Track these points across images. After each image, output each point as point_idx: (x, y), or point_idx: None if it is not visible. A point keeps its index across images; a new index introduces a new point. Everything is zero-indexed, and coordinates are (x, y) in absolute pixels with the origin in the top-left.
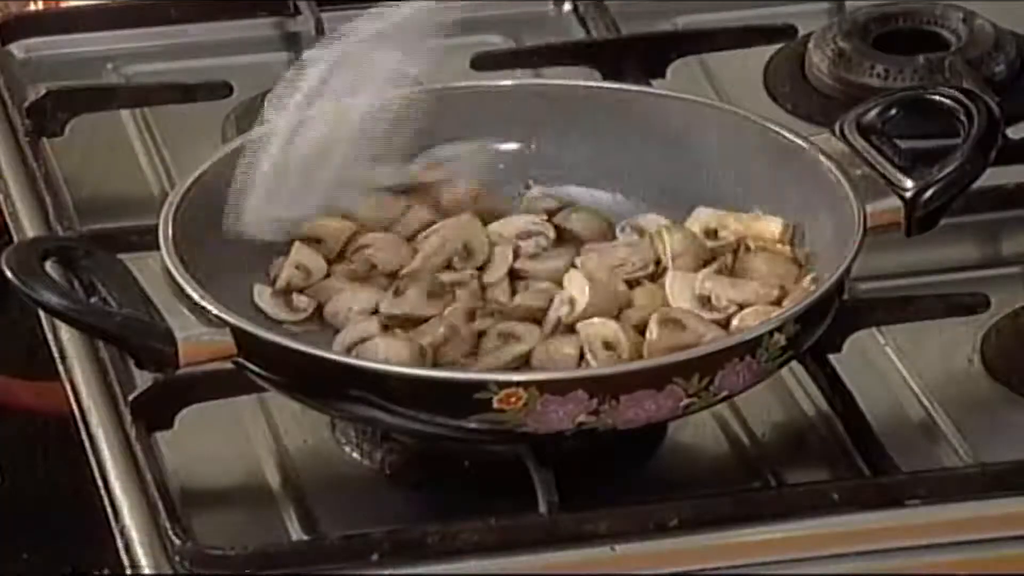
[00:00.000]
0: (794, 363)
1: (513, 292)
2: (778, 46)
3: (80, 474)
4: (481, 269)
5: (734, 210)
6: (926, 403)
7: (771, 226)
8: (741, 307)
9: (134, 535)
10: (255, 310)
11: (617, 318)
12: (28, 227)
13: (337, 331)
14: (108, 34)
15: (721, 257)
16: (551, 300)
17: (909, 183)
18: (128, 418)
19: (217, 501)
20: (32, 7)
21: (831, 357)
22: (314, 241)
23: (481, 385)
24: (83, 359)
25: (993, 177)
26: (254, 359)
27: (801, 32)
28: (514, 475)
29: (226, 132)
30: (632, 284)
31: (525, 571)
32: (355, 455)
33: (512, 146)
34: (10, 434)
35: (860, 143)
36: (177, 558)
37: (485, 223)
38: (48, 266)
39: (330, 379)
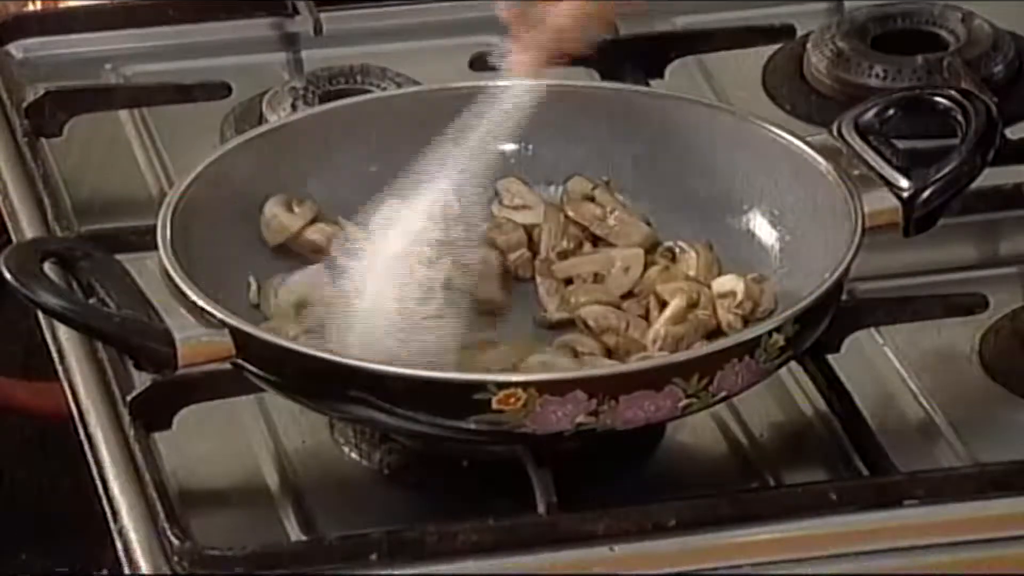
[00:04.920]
0: (793, 363)
1: None
2: (777, 46)
3: (79, 475)
4: None
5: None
6: (924, 403)
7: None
8: None
9: (133, 535)
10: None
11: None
12: (27, 228)
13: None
14: (106, 34)
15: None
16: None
17: (907, 183)
18: (127, 419)
19: (216, 501)
20: (30, 7)
21: (830, 357)
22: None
23: (480, 386)
24: (82, 360)
25: (991, 177)
26: (253, 360)
27: (800, 32)
28: (513, 475)
29: (224, 132)
30: None
31: (524, 571)
32: (354, 455)
33: (510, 147)
34: (9, 435)
35: (858, 143)
36: (176, 558)
37: None
38: (47, 267)
39: (329, 380)
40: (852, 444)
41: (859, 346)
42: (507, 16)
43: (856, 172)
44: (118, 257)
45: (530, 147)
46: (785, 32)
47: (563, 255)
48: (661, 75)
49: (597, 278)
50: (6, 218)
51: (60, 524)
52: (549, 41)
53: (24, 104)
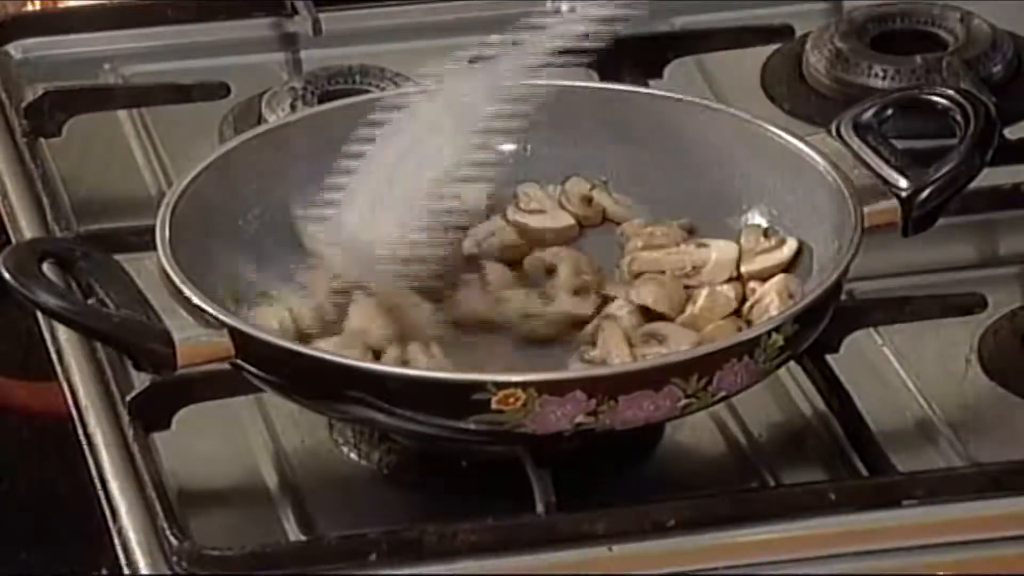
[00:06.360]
0: (792, 363)
1: None
2: (775, 46)
3: (78, 475)
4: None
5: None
6: (923, 403)
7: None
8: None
9: (132, 535)
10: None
11: None
12: (26, 228)
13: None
14: (105, 34)
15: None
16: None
17: (906, 183)
18: (126, 419)
19: (215, 501)
20: (29, 7)
21: (829, 357)
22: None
23: (479, 386)
24: (80, 360)
25: (990, 177)
26: (252, 360)
27: (798, 32)
28: (512, 475)
29: (223, 132)
30: None
31: (523, 571)
32: (353, 455)
33: (508, 147)
34: (8, 435)
35: (856, 143)
36: (175, 558)
37: None
38: (45, 267)
39: (328, 380)
40: (851, 444)
41: (858, 346)
42: None
43: (855, 172)
44: (117, 257)
45: (528, 147)
46: (784, 32)
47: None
48: (660, 75)
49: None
50: (5, 218)
51: (59, 524)
52: None
53: (23, 104)
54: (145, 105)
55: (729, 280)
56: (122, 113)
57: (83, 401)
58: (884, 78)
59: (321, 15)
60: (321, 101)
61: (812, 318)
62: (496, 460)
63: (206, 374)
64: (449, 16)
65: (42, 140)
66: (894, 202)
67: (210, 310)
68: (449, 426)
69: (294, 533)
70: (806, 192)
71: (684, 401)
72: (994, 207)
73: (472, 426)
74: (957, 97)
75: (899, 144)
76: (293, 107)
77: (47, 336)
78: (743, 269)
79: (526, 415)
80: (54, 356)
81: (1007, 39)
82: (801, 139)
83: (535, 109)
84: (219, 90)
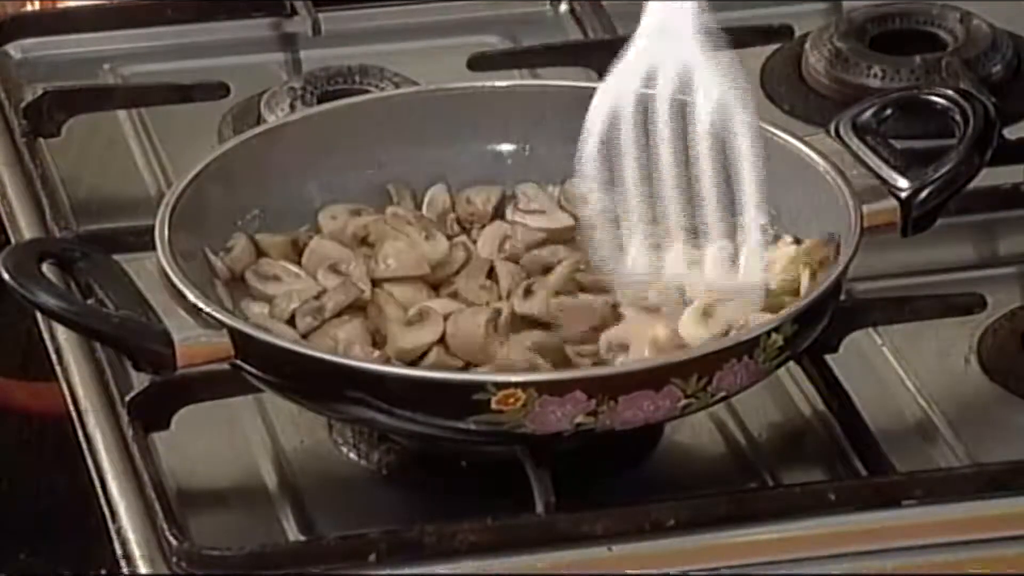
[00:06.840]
0: (791, 363)
1: None
2: (775, 47)
3: (77, 475)
4: None
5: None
6: (923, 403)
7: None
8: None
9: (131, 536)
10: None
11: None
12: (25, 228)
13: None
14: (105, 34)
15: None
16: None
17: (905, 183)
18: (125, 419)
19: (214, 502)
20: (29, 7)
21: (828, 357)
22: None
23: (479, 386)
24: (80, 360)
25: (989, 177)
26: (251, 361)
27: (798, 32)
28: (511, 475)
29: (222, 132)
30: None
31: (522, 571)
32: (352, 455)
33: (508, 147)
34: (7, 435)
35: (855, 143)
36: (174, 559)
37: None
38: (45, 267)
39: (327, 381)
40: (850, 444)
41: (857, 346)
42: None
43: (854, 172)
44: (116, 257)
45: (528, 147)
46: (783, 32)
47: None
48: None
49: None
50: (4, 218)
51: (59, 524)
52: None
53: (23, 104)
54: (144, 105)
55: None
56: (121, 113)
57: (82, 401)
58: (883, 78)
59: (320, 15)
60: (320, 101)
61: (811, 318)
62: (496, 460)
63: (206, 374)
64: (449, 16)
65: (41, 140)
66: (893, 202)
67: (209, 311)
68: (449, 426)
69: (293, 533)
70: (805, 192)
71: (684, 401)
72: (993, 207)
73: (472, 426)
74: (956, 97)
75: (898, 144)
76: (292, 107)
77: (47, 336)
78: None
79: (526, 415)
80: (54, 356)
81: (1006, 39)
82: (800, 139)
83: (535, 109)
84: (218, 90)
